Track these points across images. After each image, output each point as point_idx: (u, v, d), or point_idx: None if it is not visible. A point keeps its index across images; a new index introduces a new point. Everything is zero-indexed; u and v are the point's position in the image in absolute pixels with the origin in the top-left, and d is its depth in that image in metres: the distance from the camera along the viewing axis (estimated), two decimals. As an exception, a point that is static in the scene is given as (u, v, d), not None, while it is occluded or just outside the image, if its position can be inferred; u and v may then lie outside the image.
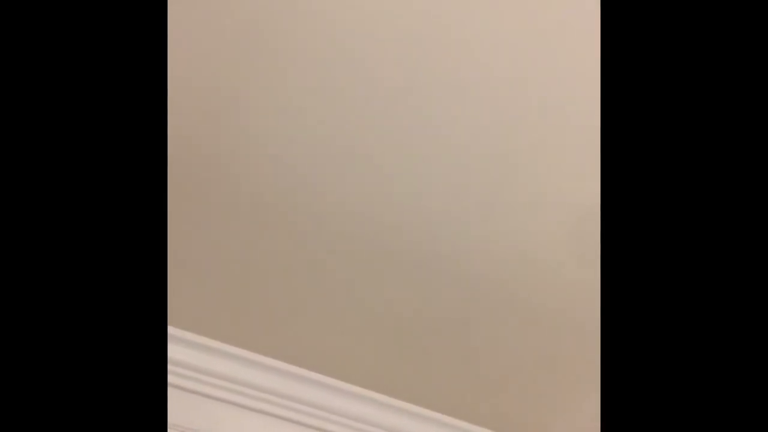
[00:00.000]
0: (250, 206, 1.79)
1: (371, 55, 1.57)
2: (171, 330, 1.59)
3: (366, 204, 1.79)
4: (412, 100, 1.64)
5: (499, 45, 1.56)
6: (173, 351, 1.59)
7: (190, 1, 1.49)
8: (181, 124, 1.65)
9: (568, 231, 1.87)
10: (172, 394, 1.58)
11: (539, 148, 1.72)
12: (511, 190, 1.78)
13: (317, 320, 2.01)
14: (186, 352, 1.61)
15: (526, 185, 1.77)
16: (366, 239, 1.86)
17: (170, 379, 1.59)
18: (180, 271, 1.88)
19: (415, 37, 1.55)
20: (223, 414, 1.63)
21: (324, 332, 2.03)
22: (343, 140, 1.70)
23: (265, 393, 1.67)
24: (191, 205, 1.78)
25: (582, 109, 1.66)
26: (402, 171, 1.75)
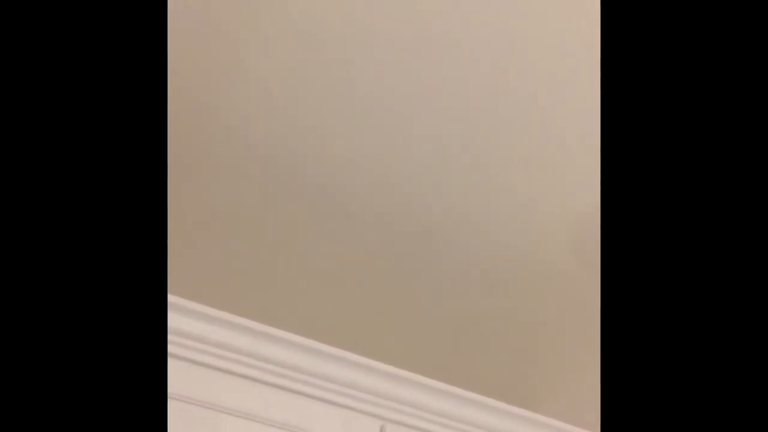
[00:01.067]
0: (252, 171, 1.77)
1: (386, 33, 1.55)
2: (171, 298, 1.56)
3: (373, 176, 1.79)
4: (413, 102, 1.63)
5: (501, 48, 1.57)
6: (173, 320, 1.56)
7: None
8: (182, 86, 1.63)
9: (569, 231, 1.91)
10: (171, 363, 1.55)
11: (540, 148, 1.74)
12: (512, 189, 1.81)
13: (321, 289, 2.01)
14: (187, 321, 1.58)
15: (527, 185, 1.81)
16: (372, 215, 1.86)
17: (170, 348, 1.56)
18: (181, 238, 1.87)
19: (417, 41, 1.53)
20: (224, 384, 1.60)
21: (327, 301, 2.02)
22: (354, 109, 1.69)
23: (268, 363, 1.64)
24: (193, 170, 1.77)
25: (583, 110, 1.67)
26: (406, 167, 1.75)
